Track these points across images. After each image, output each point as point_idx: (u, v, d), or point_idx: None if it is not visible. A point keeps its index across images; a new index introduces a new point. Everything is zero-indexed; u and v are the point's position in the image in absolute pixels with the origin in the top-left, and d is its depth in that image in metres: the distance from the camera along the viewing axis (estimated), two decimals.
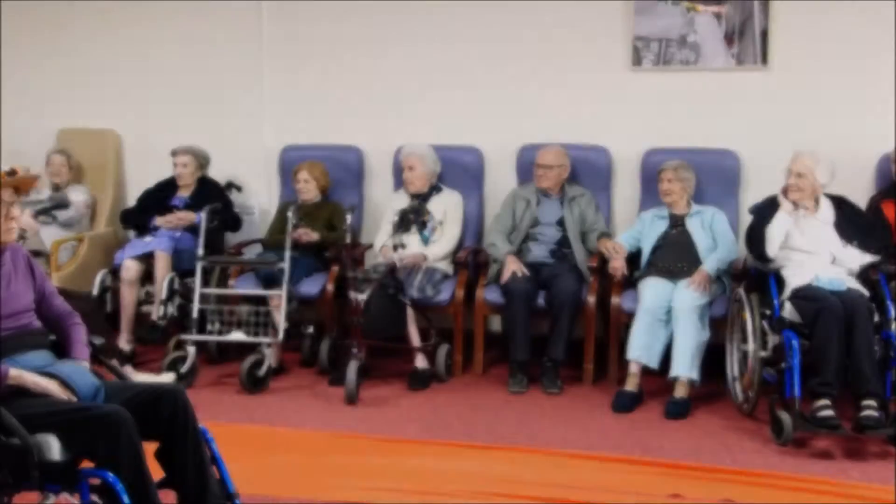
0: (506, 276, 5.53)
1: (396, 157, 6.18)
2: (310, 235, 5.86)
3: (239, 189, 6.52)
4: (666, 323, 5.17)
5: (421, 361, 5.60)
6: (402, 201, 5.96)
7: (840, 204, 5.05)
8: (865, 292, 4.77)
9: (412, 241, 5.79)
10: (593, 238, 5.68)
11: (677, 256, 5.42)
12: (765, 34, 5.79)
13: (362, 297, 5.27)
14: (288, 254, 5.56)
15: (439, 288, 5.67)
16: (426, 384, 5.49)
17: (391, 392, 5.39)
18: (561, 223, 5.70)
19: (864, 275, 4.92)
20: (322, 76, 6.45)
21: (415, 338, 5.58)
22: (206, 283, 5.72)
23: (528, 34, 6.12)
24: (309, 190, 6.06)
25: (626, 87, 6.03)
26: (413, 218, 5.81)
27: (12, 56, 6.73)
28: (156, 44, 6.67)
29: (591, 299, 5.48)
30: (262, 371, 5.37)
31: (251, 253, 6.08)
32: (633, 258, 5.59)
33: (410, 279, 5.63)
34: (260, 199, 6.59)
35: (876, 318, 4.67)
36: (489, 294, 5.64)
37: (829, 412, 4.45)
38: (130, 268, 5.83)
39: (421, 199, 5.93)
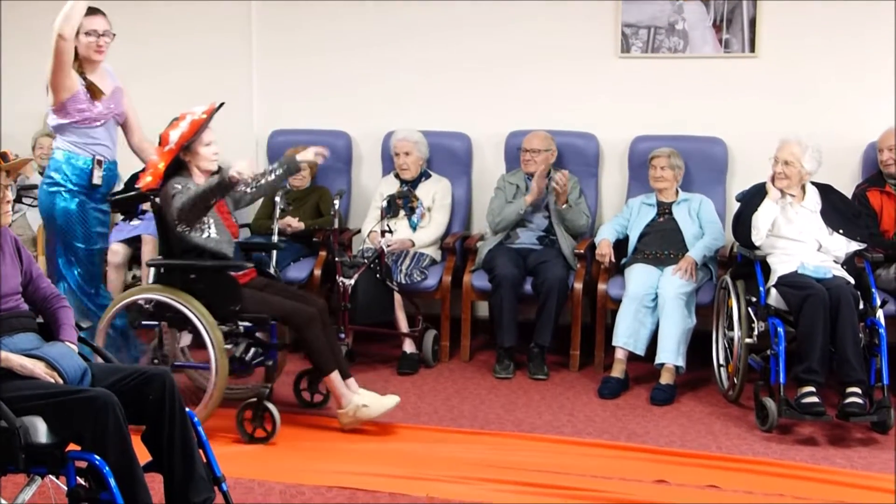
0: (537, 182, 5.61)
1: (385, 142, 6.18)
2: (296, 225, 5.85)
3: None
4: (652, 310, 5.19)
5: (409, 346, 5.60)
6: (391, 187, 5.96)
7: (826, 192, 5.06)
8: (851, 280, 4.80)
9: (400, 226, 5.80)
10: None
11: (664, 243, 5.44)
12: (753, 22, 5.80)
13: (350, 282, 5.27)
14: (275, 238, 5.55)
15: (426, 273, 5.68)
16: (414, 369, 5.50)
17: (378, 377, 5.39)
18: (548, 209, 5.71)
19: (849, 263, 4.95)
20: (311, 61, 6.44)
21: (402, 323, 5.59)
22: None
23: (517, 21, 6.11)
24: (304, 177, 6.05)
25: (615, 74, 6.04)
26: (401, 203, 5.82)
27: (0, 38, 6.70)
28: (143, 26, 6.63)
29: (578, 286, 5.49)
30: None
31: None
32: (620, 245, 5.61)
33: (398, 265, 5.64)
34: None
35: (861, 305, 4.70)
36: (476, 280, 5.65)
37: (813, 399, 4.47)
38: (117, 251, 5.81)
39: (410, 184, 5.93)
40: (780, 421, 4.54)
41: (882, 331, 4.63)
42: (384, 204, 5.74)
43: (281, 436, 4.47)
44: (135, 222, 5.97)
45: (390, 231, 5.56)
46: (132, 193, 4.81)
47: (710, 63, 5.91)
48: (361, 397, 4.53)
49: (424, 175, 5.98)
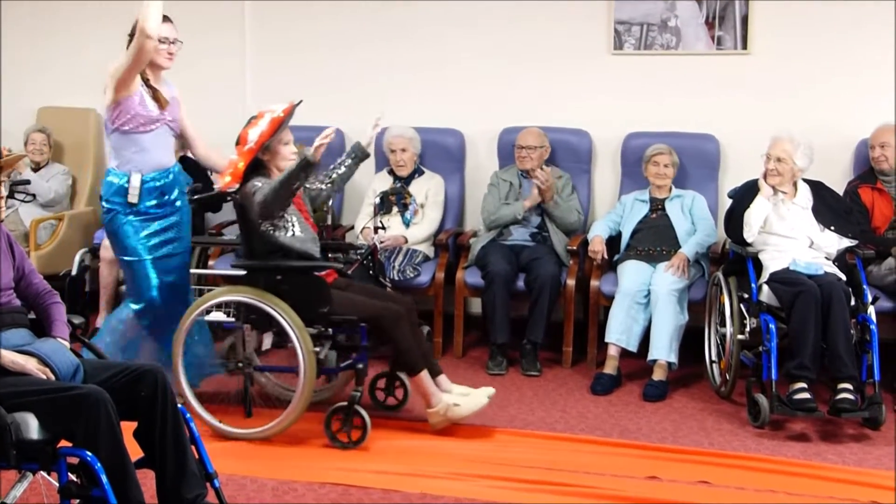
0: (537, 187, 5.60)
1: (378, 138, 6.17)
2: None
3: None
4: (645, 306, 5.20)
5: None
6: (384, 183, 5.96)
7: (818, 189, 5.08)
8: (842, 276, 4.81)
9: (393, 223, 5.80)
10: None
11: (657, 240, 5.45)
12: (745, 19, 5.80)
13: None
14: None
15: (419, 270, 5.68)
16: None
17: (371, 372, 5.37)
18: (541, 206, 5.71)
19: (841, 259, 4.96)
20: (304, 58, 6.44)
21: None
22: None
23: (511, 18, 6.12)
24: None
25: (608, 71, 6.04)
26: (394, 200, 5.82)
27: None
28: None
29: (571, 282, 5.49)
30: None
31: (232, 233, 6.06)
32: (613, 241, 5.61)
33: (391, 261, 5.64)
34: None
35: (852, 301, 4.71)
36: (469, 276, 5.65)
37: (805, 395, 4.49)
38: (110, 247, 5.80)
39: (403, 181, 5.93)
40: (772, 417, 4.55)
41: (873, 327, 4.64)
42: (377, 200, 5.73)
43: (294, 432, 4.48)
44: None
45: (383, 227, 5.55)
46: (212, 193, 4.64)
47: (703, 60, 5.92)
48: (452, 396, 4.44)
49: (417, 171, 5.99)
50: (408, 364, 4.44)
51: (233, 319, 5.42)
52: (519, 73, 6.14)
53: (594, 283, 5.49)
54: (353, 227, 6.04)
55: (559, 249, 5.62)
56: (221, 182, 4.39)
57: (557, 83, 6.10)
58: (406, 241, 5.79)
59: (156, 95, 4.59)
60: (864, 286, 4.82)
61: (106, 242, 5.78)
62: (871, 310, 4.72)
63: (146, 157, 4.60)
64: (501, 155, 6.08)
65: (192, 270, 5.69)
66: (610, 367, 5.20)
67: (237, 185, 4.35)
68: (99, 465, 2.94)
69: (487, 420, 4.70)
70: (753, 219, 4.93)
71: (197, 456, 3.32)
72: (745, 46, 5.83)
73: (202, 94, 6.45)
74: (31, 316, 3.44)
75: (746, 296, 4.87)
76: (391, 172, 6.00)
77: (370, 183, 6.08)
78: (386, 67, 6.33)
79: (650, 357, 5.11)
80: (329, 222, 5.59)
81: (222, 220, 6.23)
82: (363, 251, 5.45)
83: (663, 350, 5.07)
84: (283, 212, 4.35)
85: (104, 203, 4.62)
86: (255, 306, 4.35)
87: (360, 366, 4.44)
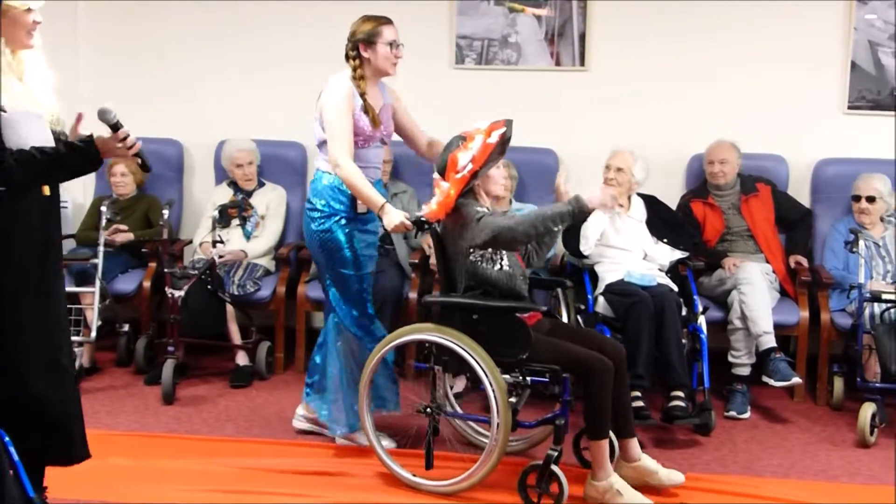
0: None
1: (217, 151, 6.07)
2: (125, 235, 5.70)
3: None
4: None
5: (242, 358, 5.51)
6: (224, 196, 5.86)
7: (652, 203, 5.23)
8: (674, 287, 4.95)
9: (234, 235, 5.71)
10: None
11: None
12: (583, 37, 5.94)
13: (180, 293, 5.15)
14: (101, 249, 5.39)
15: (260, 284, 5.59)
16: (247, 381, 5.40)
17: (210, 391, 5.28)
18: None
19: (673, 271, 5.12)
20: (140, 68, 6.28)
21: (235, 335, 5.50)
22: None
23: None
24: (126, 184, 5.90)
25: (449, 85, 6.09)
26: (236, 213, 5.72)
27: None
28: None
29: (413, 295, 5.50)
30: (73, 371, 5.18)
31: (63, 248, 5.84)
32: None
33: (230, 276, 5.54)
34: (73, 193, 6.35)
35: (684, 312, 4.85)
36: (311, 291, 5.59)
37: (639, 403, 4.59)
38: None
39: (245, 193, 5.85)
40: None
41: (703, 336, 4.81)
42: (216, 213, 5.63)
43: (106, 453, 4.32)
44: None
45: (222, 241, 5.46)
46: (419, 221, 4.10)
47: (543, 76, 6.03)
48: (619, 481, 3.92)
49: (259, 184, 5.91)
50: (595, 426, 3.93)
51: None
52: None
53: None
54: (191, 242, 5.91)
55: (402, 262, 5.62)
56: (428, 210, 4.04)
57: (400, 96, 6.10)
58: (246, 256, 5.70)
59: (372, 116, 4.36)
60: (695, 297, 4.98)
61: None
62: (702, 320, 4.88)
63: (369, 171, 4.34)
64: None
65: None
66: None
67: (444, 216, 4.04)
68: None
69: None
70: (590, 232, 5.04)
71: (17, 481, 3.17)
72: (582, 63, 5.96)
73: None
74: None
75: (583, 307, 4.96)
76: (231, 185, 5.90)
77: (209, 196, 5.97)
78: (225, 79, 6.23)
79: None
80: (166, 237, 5.46)
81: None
82: (201, 266, 5.35)
83: None
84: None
85: (325, 209, 4.34)
86: (446, 347, 4.00)
87: (561, 422, 3.95)
